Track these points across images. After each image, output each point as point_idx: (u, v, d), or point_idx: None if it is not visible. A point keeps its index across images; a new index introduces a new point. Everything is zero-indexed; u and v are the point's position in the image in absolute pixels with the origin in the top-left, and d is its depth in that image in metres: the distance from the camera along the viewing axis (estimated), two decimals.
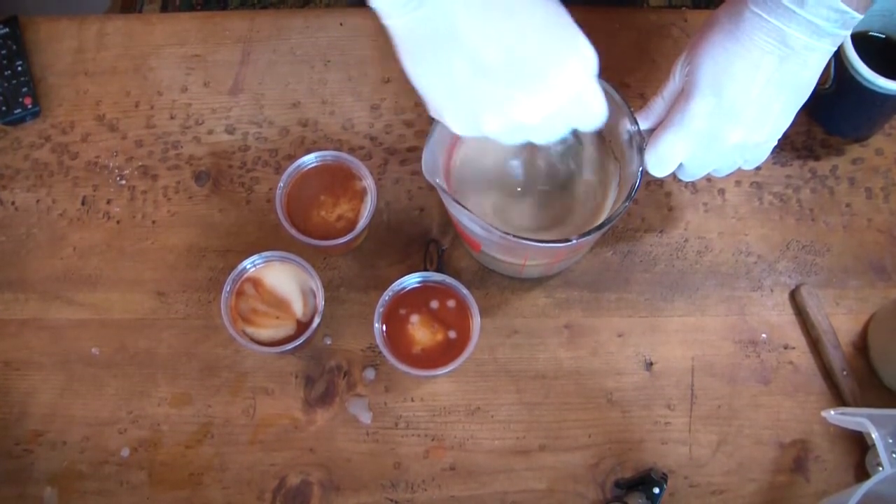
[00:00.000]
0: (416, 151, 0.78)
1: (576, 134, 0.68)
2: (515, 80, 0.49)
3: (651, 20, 0.83)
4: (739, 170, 0.64)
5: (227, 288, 0.67)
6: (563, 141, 0.64)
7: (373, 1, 0.47)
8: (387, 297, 0.67)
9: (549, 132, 0.53)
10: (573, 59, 0.50)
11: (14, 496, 0.68)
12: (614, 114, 0.63)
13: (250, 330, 0.67)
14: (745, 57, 0.56)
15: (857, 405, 0.69)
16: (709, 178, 0.75)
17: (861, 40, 0.69)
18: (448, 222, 0.75)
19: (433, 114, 0.52)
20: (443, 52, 0.48)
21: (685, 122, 0.59)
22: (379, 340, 0.66)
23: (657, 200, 0.77)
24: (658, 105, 0.63)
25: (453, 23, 0.47)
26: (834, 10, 0.52)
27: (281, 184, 0.70)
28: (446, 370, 0.65)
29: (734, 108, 0.57)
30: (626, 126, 0.62)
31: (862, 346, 0.72)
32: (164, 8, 1.74)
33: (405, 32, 0.48)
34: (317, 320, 0.66)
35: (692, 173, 0.63)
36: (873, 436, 0.61)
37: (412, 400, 0.71)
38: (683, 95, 0.59)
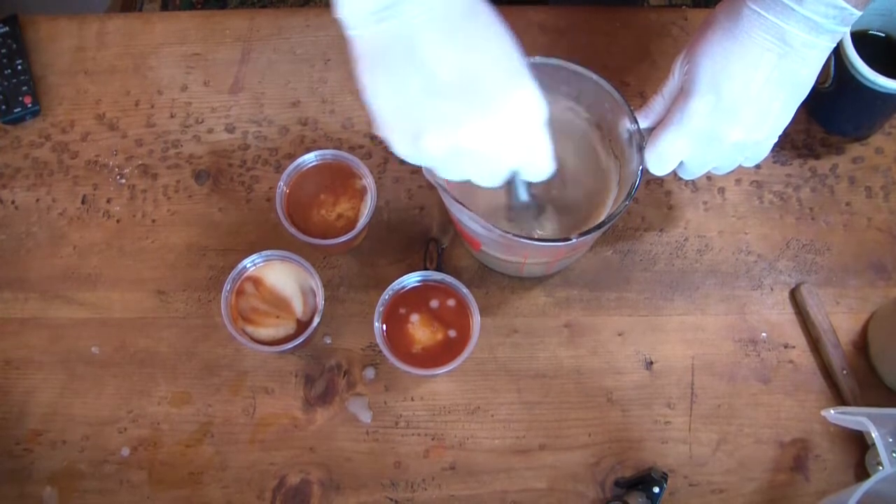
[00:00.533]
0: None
1: (574, 136, 0.68)
2: (465, 102, 0.48)
3: (651, 19, 0.83)
4: (739, 168, 0.64)
5: (227, 287, 0.67)
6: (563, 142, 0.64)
7: (339, 11, 0.47)
8: (387, 297, 0.67)
9: (491, 167, 0.52)
10: (524, 92, 0.50)
11: (14, 495, 0.68)
12: (614, 113, 0.63)
13: (250, 329, 0.67)
14: (744, 55, 0.56)
15: (856, 404, 0.69)
16: (709, 177, 0.75)
17: (861, 39, 0.69)
18: (448, 221, 0.75)
19: (377, 131, 0.51)
20: (399, 67, 0.48)
21: (685, 120, 0.59)
22: (379, 339, 0.66)
23: (657, 199, 0.77)
24: (658, 104, 0.63)
25: (414, 40, 0.47)
26: (832, 7, 0.52)
27: (281, 183, 0.70)
28: (446, 369, 0.65)
29: (734, 107, 0.57)
30: (626, 125, 0.62)
31: (862, 345, 0.72)
32: (164, 7, 1.74)
33: (366, 45, 0.48)
34: (317, 319, 0.66)
35: (692, 172, 0.63)
36: (873, 435, 0.61)
37: (412, 399, 0.71)
38: (683, 94, 0.59)
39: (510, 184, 0.57)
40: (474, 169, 0.52)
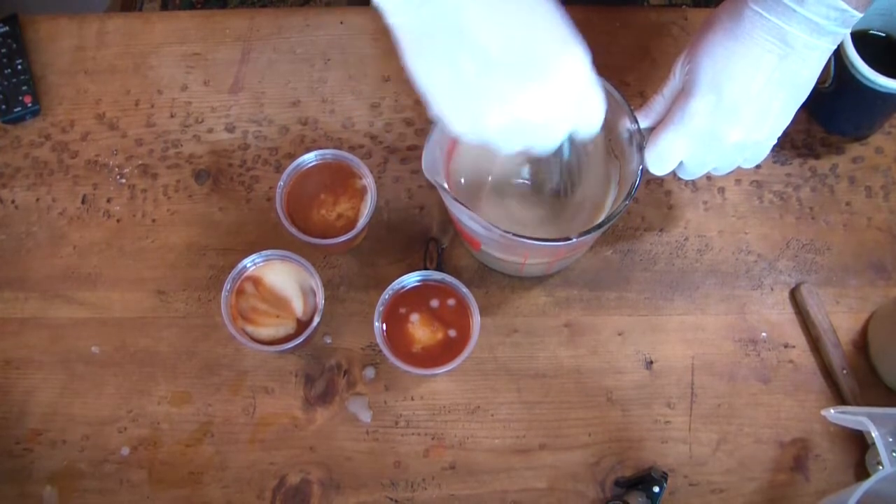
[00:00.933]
0: (416, 150, 0.78)
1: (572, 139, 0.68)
2: (520, 75, 0.48)
3: (651, 19, 0.83)
4: (739, 168, 0.64)
5: (227, 286, 0.67)
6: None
7: (379, 0, 0.47)
8: (387, 296, 0.67)
9: (550, 133, 0.52)
10: (574, 55, 0.50)
11: (14, 495, 0.68)
12: (614, 112, 0.63)
13: (250, 329, 0.67)
14: (745, 55, 0.56)
15: (856, 404, 0.69)
16: (709, 177, 0.75)
17: (861, 39, 0.69)
18: (448, 221, 0.75)
19: (435, 113, 0.51)
20: (448, 49, 0.48)
21: (685, 120, 0.59)
22: (379, 339, 0.66)
23: (657, 199, 0.77)
24: (658, 103, 0.63)
25: (460, 19, 0.47)
26: (834, 9, 0.52)
27: (281, 182, 0.70)
28: (446, 369, 0.65)
29: (734, 107, 0.57)
30: (626, 124, 0.62)
31: (862, 344, 0.72)
32: (164, 6, 1.74)
33: (410, 30, 0.48)
34: (317, 319, 0.66)
35: (692, 172, 0.63)
36: (873, 435, 0.61)
37: (412, 399, 0.71)
38: (683, 94, 0.59)
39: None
40: (534, 138, 0.52)
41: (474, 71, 0.48)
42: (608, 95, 0.62)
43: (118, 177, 0.78)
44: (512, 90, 0.49)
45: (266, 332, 0.67)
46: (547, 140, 0.52)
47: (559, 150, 0.58)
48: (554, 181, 0.64)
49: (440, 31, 0.47)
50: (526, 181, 0.67)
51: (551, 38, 0.49)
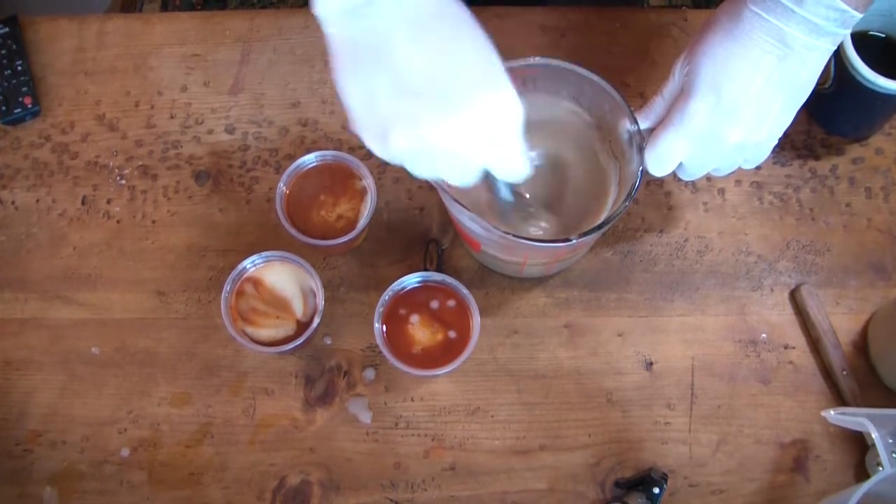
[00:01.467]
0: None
1: (574, 137, 0.68)
2: (429, 102, 0.48)
3: (651, 20, 0.83)
4: (740, 169, 0.64)
5: (227, 288, 0.67)
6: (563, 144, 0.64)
7: (318, 9, 0.47)
8: (387, 297, 0.67)
9: (459, 166, 0.52)
10: (489, 97, 0.49)
11: (14, 496, 0.68)
12: (614, 113, 0.63)
13: (250, 330, 0.67)
14: (745, 56, 0.56)
15: (857, 405, 0.69)
16: (709, 178, 0.75)
17: (861, 40, 0.69)
18: (448, 222, 0.75)
19: (351, 127, 0.52)
20: (368, 66, 0.48)
21: (685, 121, 0.59)
22: (379, 340, 0.66)
23: (657, 200, 0.77)
24: (658, 104, 0.63)
25: (384, 38, 0.47)
26: (833, 9, 0.52)
27: (281, 183, 0.70)
28: (446, 370, 0.65)
29: (733, 108, 0.57)
30: (626, 125, 0.62)
31: (862, 345, 0.72)
32: (164, 7, 1.74)
33: (341, 43, 0.48)
34: (317, 320, 0.66)
35: (692, 173, 0.63)
36: (873, 436, 0.61)
37: (412, 400, 0.71)
38: (683, 95, 0.59)
39: (490, 182, 0.57)
40: (443, 167, 0.52)
41: (387, 90, 0.48)
42: (608, 96, 0.62)
43: (118, 178, 0.78)
44: (418, 115, 0.48)
45: (266, 333, 0.67)
46: (458, 172, 0.52)
47: (494, 188, 0.58)
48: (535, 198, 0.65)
49: (365, 47, 0.48)
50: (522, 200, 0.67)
51: (473, 72, 0.49)
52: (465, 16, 0.50)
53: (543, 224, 0.66)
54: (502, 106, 0.50)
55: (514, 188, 0.60)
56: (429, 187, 0.76)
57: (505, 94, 0.50)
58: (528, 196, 0.64)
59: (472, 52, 0.49)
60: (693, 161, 0.61)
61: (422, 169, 0.52)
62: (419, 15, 0.47)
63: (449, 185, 0.55)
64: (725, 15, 0.57)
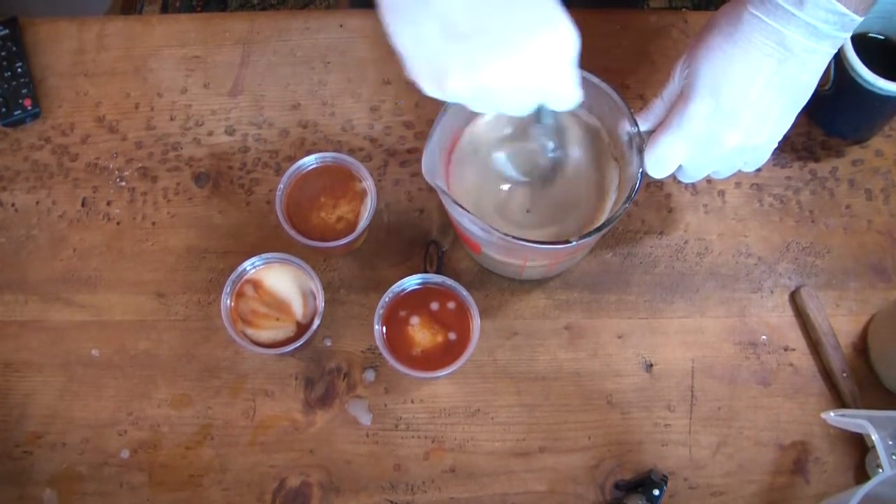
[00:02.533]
0: (415, 153, 0.78)
1: (574, 138, 0.68)
2: (481, 46, 0.48)
3: (651, 22, 0.83)
4: (740, 172, 0.64)
5: (226, 289, 0.67)
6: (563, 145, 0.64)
7: None
8: (387, 299, 0.67)
9: (517, 102, 0.52)
10: (545, 34, 0.49)
11: (14, 497, 0.68)
12: (614, 115, 0.63)
13: (250, 331, 0.67)
14: (744, 59, 0.56)
15: (857, 407, 0.69)
16: (709, 180, 0.75)
17: (861, 42, 0.69)
18: (448, 224, 0.75)
19: (407, 74, 0.51)
20: (416, 14, 0.48)
21: (684, 124, 0.59)
22: (379, 342, 0.66)
23: (657, 202, 0.77)
24: (658, 107, 0.63)
25: None
26: (833, 13, 0.52)
27: (281, 185, 0.70)
28: (446, 372, 0.65)
29: (733, 111, 0.57)
30: (626, 127, 0.62)
31: (862, 347, 0.72)
32: (164, 9, 1.74)
33: None
34: (317, 322, 0.66)
35: (692, 175, 0.63)
36: (873, 437, 0.61)
37: (412, 401, 0.71)
38: (682, 97, 0.59)
39: (538, 109, 0.58)
40: (501, 103, 0.52)
41: (437, 37, 0.48)
42: (608, 98, 0.62)
43: (118, 179, 0.78)
44: (472, 59, 0.48)
45: (266, 334, 0.67)
46: (515, 106, 0.53)
47: (539, 113, 0.58)
48: (540, 165, 0.65)
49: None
50: (520, 179, 0.67)
51: (520, 14, 0.49)
52: None
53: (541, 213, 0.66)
54: (556, 42, 0.49)
55: (556, 115, 0.60)
56: (429, 189, 0.76)
57: (559, 29, 0.49)
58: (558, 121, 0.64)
59: None
60: (692, 164, 0.61)
61: (480, 106, 0.52)
62: None
63: (453, 187, 0.55)
64: (725, 18, 0.57)
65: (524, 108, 0.53)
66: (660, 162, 0.60)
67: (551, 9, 0.49)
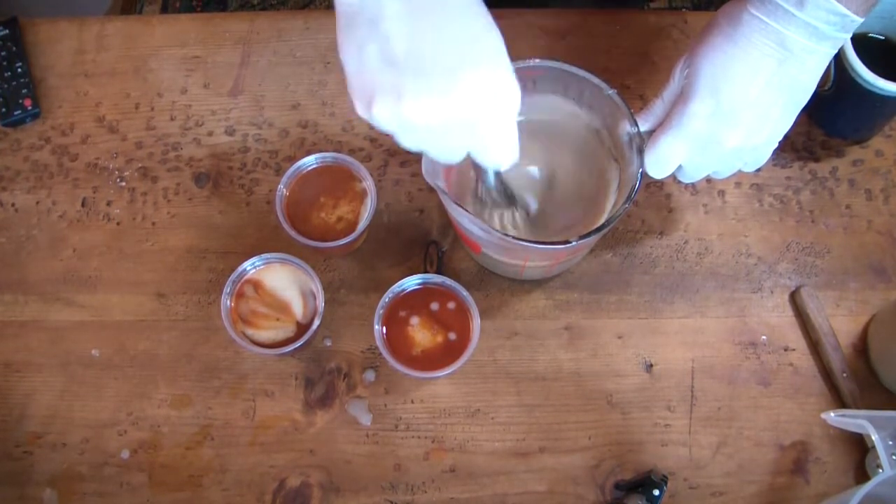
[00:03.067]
0: (415, 153, 0.78)
1: (574, 138, 0.68)
2: (414, 76, 0.47)
3: (651, 22, 0.83)
4: (740, 172, 0.64)
5: (226, 290, 0.67)
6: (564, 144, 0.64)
7: None
8: (387, 299, 0.67)
9: (443, 147, 0.50)
10: (482, 78, 0.47)
11: (14, 498, 0.68)
12: (614, 115, 0.63)
13: (250, 332, 0.67)
14: (744, 60, 0.56)
15: (856, 407, 0.69)
16: (708, 180, 0.75)
17: (861, 42, 0.69)
18: (448, 224, 0.75)
19: (349, 95, 0.50)
20: (362, 33, 0.47)
21: (684, 124, 0.59)
22: (379, 342, 0.66)
23: (657, 202, 0.77)
24: (658, 107, 0.63)
25: (381, 6, 0.46)
26: (834, 14, 0.52)
27: (281, 185, 0.70)
28: (446, 372, 0.65)
29: (732, 111, 0.57)
30: (626, 127, 0.62)
31: (862, 347, 0.72)
32: (164, 9, 1.74)
33: (343, 8, 0.48)
34: (317, 322, 0.66)
35: (691, 175, 0.63)
36: (873, 438, 0.61)
37: (412, 402, 0.71)
38: (682, 98, 0.59)
39: (477, 167, 0.57)
40: (427, 143, 0.50)
41: (376, 60, 0.47)
42: (609, 98, 0.62)
43: (118, 180, 0.78)
44: (400, 89, 0.47)
45: (266, 335, 0.67)
46: (442, 150, 0.51)
47: (482, 175, 0.57)
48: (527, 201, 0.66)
49: (362, 16, 0.47)
50: (520, 179, 0.67)
51: (464, 49, 0.47)
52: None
53: (524, 225, 0.66)
54: (490, 87, 0.47)
55: (502, 178, 0.59)
56: (429, 189, 0.76)
57: (495, 74, 0.47)
58: (506, 188, 0.63)
59: (466, 28, 0.47)
60: (692, 164, 0.61)
61: (407, 141, 0.50)
62: None
63: (452, 188, 0.55)
64: (725, 18, 0.57)
65: (451, 155, 0.51)
66: (660, 162, 0.60)
67: (491, 53, 0.48)
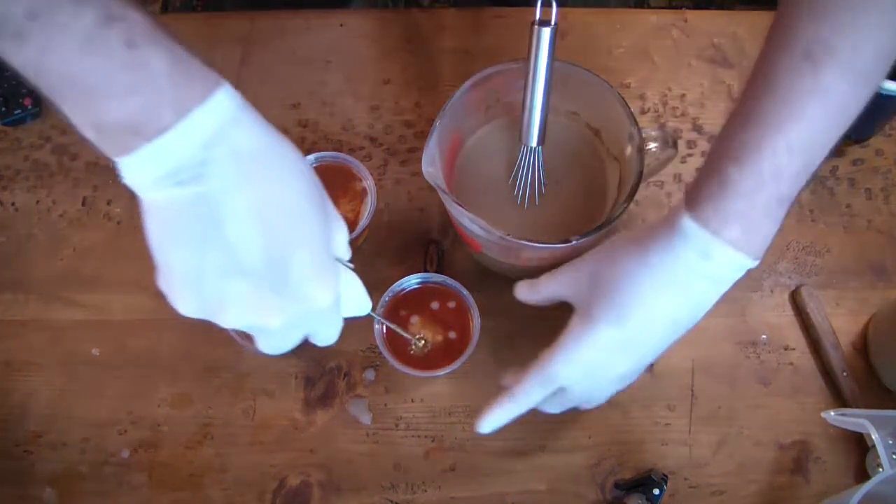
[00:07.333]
0: (416, 152, 0.78)
1: (574, 138, 0.68)
2: (264, 287, 0.47)
3: (651, 21, 0.83)
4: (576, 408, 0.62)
5: None
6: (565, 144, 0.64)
7: (135, 174, 0.43)
8: (387, 298, 0.67)
9: (280, 342, 0.51)
10: (324, 282, 0.49)
11: (14, 497, 0.68)
12: (614, 115, 0.63)
13: None
14: (654, 290, 0.53)
15: (856, 406, 0.69)
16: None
17: None
18: (448, 223, 0.75)
19: (160, 283, 0.50)
20: (199, 237, 0.45)
21: (582, 344, 0.56)
22: (379, 341, 0.66)
23: (657, 201, 0.77)
24: (548, 286, 0.61)
25: (219, 209, 0.44)
26: (738, 265, 0.51)
27: None
28: (446, 371, 0.65)
29: (635, 341, 0.55)
30: (626, 126, 0.62)
31: (862, 346, 0.72)
32: (165, 9, 1.74)
33: (162, 209, 0.44)
34: None
35: (564, 403, 0.60)
36: (873, 437, 0.61)
37: (412, 401, 0.71)
38: (582, 316, 0.57)
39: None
40: (265, 340, 0.51)
41: (220, 267, 0.46)
42: (608, 97, 0.62)
43: (118, 179, 0.78)
44: (252, 299, 0.47)
45: None
46: (278, 345, 0.52)
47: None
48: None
49: (195, 217, 0.44)
50: (521, 179, 0.67)
51: (308, 255, 0.48)
52: (299, 167, 0.47)
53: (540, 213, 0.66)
54: (330, 290, 0.50)
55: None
56: (429, 189, 0.76)
57: (333, 277, 0.50)
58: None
59: (305, 228, 0.48)
60: (576, 387, 0.58)
61: (242, 328, 0.50)
62: (252, 180, 0.44)
63: (453, 187, 0.55)
64: (635, 245, 0.54)
65: (286, 348, 0.52)
66: (543, 384, 0.59)
67: (322, 254, 0.50)
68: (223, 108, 0.42)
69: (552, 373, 0.57)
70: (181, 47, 0.41)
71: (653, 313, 0.54)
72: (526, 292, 0.63)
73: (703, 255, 0.51)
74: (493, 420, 0.59)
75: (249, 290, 0.47)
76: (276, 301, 0.48)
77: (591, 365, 0.56)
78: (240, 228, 0.44)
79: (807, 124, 0.49)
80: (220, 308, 0.47)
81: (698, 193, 0.51)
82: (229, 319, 0.48)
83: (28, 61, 0.39)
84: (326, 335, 0.54)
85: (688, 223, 0.51)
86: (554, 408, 0.61)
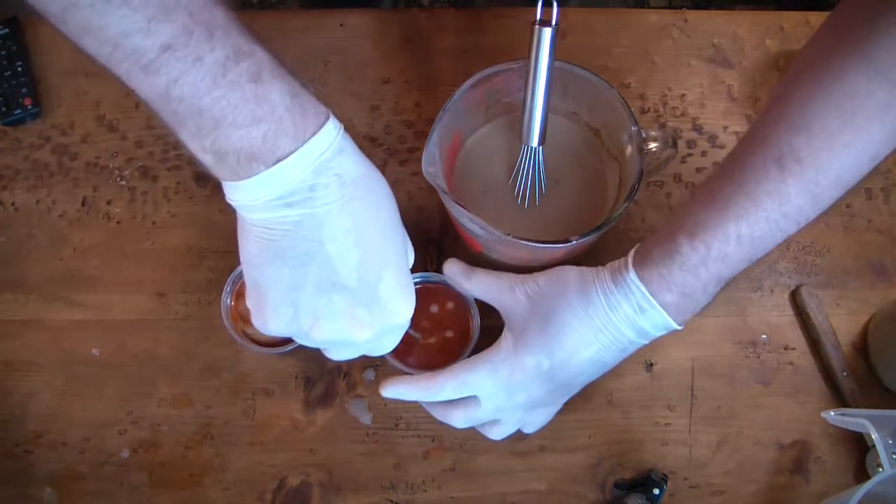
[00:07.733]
0: (415, 152, 0.78)
1: (574, 138, 0.68)
2: (361, 301, 0.51)
3: (651, 21, 0.83)
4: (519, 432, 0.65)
5: (227, 289, 0.67)
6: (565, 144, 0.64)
7: (245, 194, 0.47)
8: None
9: (351, 352, 0.56)
10: (408, 303, 0.54)
11: (14, 497, 0.68)
12: (614, 114, 0.63)
13: (250, 331, 0.67)
14: (585, 335, 0.57)
15: (856, 406, 0.69)
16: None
17: None
18: (448, 223, 0.75)
19: (250, 304, 0.53)
20: (300, 256, 0.49)
21: (504, 365, 0.59)
22: None
23: (658, 201, 0.77)
24: (481, 284, 0.64)
25: (324, 231, 0.48)
26: (664, 329, 0.56)
27: None
28: None
29: (555, 373, 0.58)
30: (626, 126, 0.62)
31: (862, 346, 0.72)
32: None
33: (274, 225, 0.48)
34: None
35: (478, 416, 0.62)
36: (873, 437, 0.61)
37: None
38: (517, 336, 0.60)
39: None
40: (338, 350, 0.56)
41: (318, 285, 0.49)
42: (608, 97, 0.62)
43: (118, 179, 0.78)
44: (346, 313, 0.51)
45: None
46: (347, 355, 0.57)
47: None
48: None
49: (299, 238, 0.48)
50: (521, 179, 0.67)
51: (396, 273, 0.53)
52: (387, 192, 0.53)
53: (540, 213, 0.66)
54: (413, 306, 0.54)
55: None
56: (429, 189, 0.76)
57: (412, 298, 0.55)
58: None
59: (393, 247, 0.52)
60: (487, 402, 0.61)
61: (313, 344, 0.55)
62: (353, 203, 0.48)
63: (453, 187, 0.55)
64: (576, 288, 0.58)
65: (352, 357, 0.57)
66: (457, 390, 0.61)
67: (406, 273, 0.54)
68: (332, 137, 0.47)
69: (471, 381, 0.60)
70: (296, 80, 0.45)
71: (582, 353, 0.57)
72: (458, 272, 0.65)
73: (639, 310, 0.55)
74: (397, 392, 0.61)
75: (343, 305, 0.50)
76: (365, 315, 0.51)
77: (511, 385, 0.59)
78: (340, 247, 0.48)
79: (762, 223, 0.52)
80: (314, 322, 0.51)
81: (649, 255, 0.55)
82: (322, 333, 0.51)
83: (157, 90, 0.41)
84: (384, 348, 0.58)
85: (633, 279, 0.55)
86: (458, 419, 0.62)
